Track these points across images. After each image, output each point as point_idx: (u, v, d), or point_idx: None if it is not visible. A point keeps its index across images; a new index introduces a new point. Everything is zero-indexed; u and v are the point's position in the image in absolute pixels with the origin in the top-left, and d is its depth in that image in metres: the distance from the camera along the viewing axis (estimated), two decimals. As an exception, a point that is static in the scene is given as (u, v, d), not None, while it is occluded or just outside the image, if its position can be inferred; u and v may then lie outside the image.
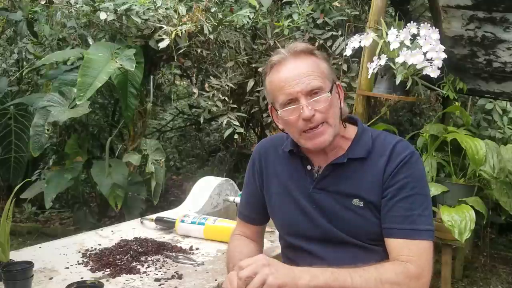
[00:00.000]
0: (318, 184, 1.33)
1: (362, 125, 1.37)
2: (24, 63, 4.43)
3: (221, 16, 3.13)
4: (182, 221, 1.94)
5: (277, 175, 1.41)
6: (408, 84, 2.40)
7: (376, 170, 1.27)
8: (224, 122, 3.14)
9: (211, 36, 3.08)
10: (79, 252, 1.71)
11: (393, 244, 1.24)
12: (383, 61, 2.35)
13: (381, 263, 1.21)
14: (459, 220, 2.33)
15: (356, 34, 2.53)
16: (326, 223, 1.30)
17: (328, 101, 1.24)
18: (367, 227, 1.27)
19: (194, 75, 3.68)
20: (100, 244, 1.79)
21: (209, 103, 3.13)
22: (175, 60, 3.23)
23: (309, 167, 1.35)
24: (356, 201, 1.27)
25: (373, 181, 1.27)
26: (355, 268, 1.18)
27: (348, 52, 2.53)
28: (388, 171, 1.26)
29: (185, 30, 3.01)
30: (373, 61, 2.41)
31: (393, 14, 3.52)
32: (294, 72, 1.24)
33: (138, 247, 1.75)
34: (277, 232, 1.86)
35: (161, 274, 1.55)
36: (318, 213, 1.32)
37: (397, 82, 2.35)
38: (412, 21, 2.37)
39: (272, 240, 1.87)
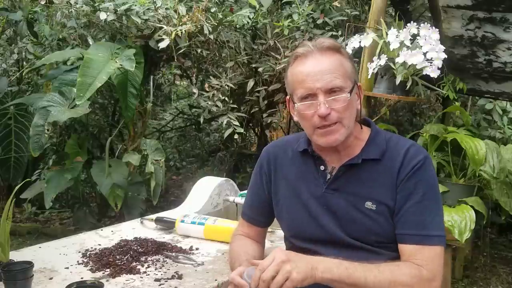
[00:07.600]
0: (331, 185, 1.31)
1: (376, 127, 1.36)
2: (24, 63, 4.43)
3: (221, 16, 3.13)
4: (182, 221, 1.93)
5: (286, 178, 1.40)
6: (408, 84, 2.40)
7: (390, 173, 1.26)
8: (224, 122, 3.14)
9: (211, 36, 3.08)
10: (79, 252, 1.71)
11: (406, 249, 1.24)
12: (383, 61, 2.35)
13: (397, 264, 1.21)
14: (459, 220, 2.33)
15: (356, 34, 2.53)
16: (333, 226, 1.30)
17: (347, 101, 1.24)
18: (377, 231, 1.26)
19: (194, 75, 3.68)
20: (100, 244, 1.79)
21: (209, 103, 3.13)
22: (175, 60, 3.23)
23: (322, 168, 1.34)
24: (369, 204, 1.26)
25: (386, 184, 1.26)
26: (371, 266, 1.17)
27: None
28: (402, 175, 1.25)
29: (185, 30, 3.01)
30: (373, 61, 2.41)
31: (393, 14, 3.51)
32: (317, 68, 1.23)
33: (138, 247, 1.75)
34: (277, 232, 1.86)
35: (161, 274, 1.54)
36: (327, 215, 1.31)
37: (397, 82, 2.36)
38: (412, 21, 2.37)
39: (272, 240, 1.87)
